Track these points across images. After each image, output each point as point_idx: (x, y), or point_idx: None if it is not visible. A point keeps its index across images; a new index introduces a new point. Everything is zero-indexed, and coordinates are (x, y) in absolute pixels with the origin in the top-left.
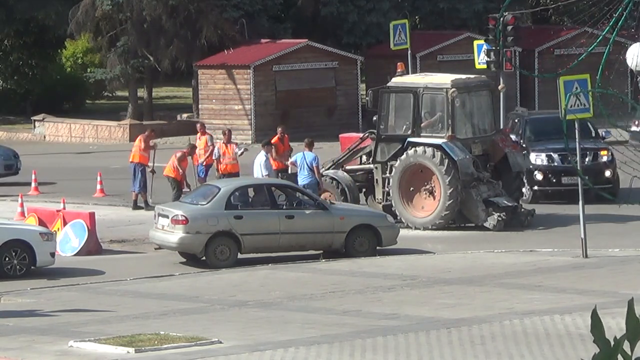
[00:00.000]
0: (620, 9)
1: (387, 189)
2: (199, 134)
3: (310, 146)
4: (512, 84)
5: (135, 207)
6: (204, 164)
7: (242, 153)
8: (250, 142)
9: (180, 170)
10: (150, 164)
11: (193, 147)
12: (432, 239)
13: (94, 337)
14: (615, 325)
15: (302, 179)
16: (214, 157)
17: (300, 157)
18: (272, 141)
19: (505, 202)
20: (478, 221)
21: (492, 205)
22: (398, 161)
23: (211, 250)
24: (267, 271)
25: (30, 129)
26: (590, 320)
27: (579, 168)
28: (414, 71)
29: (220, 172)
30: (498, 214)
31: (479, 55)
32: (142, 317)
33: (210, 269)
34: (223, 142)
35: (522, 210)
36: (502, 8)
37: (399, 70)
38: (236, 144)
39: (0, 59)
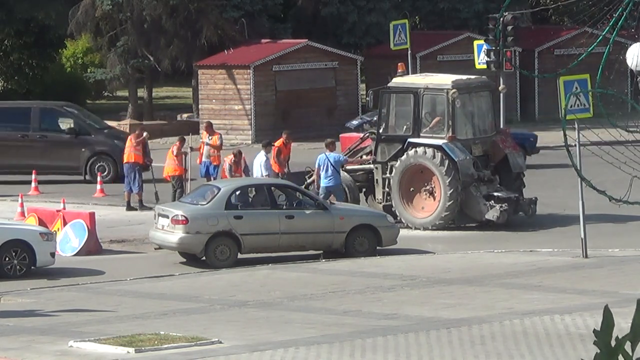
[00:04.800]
0: (620, 9)
1: (387, 189)
2: (204, 132)
3: (331, 147)
4: (512, 84)
5: (142, 207)
6: (212, 162)
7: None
8: (250, 142)
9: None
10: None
11: (183, 140)
12: (432, 239)
13: (94, 337)
14: (615, 326)
15: (328, 180)
16: (225, 171)
17: (323, 158)
18: (276, 144)
19: (506, 194)
20: (481, 216)
21: (492, 198)
22: (398, 162)
23: (211, 250)
24: (267, 271)
25: None
26: (602, 317)
27: (579, 168)
28: (414, 71)
29: None
30: (499, 204)
31: (479, 55)
32: (142, 317)
33: (210, 269)
34: (234, 162)
35: (524, 200)
36: (502, 8)
37: (399, 70)
38: (244, 159)
39: (0, 59)
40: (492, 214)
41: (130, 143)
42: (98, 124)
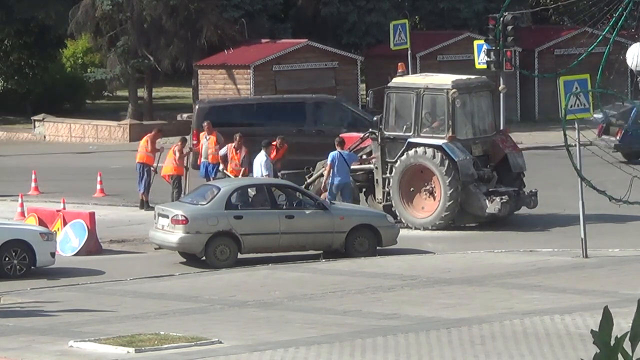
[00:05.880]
0: (620, 9)
1: (387, 189)
2: (205, 132)
3: (341, 145)
4: (512, 84)
5: (143, 206)
6: (211, 162)
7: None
8: None
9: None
10: (154, 164)
11: (184, 140)
12: (432, 239)
13: (94, 337)
14: (615, 326)
15: (342, 177)
16: (219, 154)
17: (337, 156)
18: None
19: (505, 188)
20: (483, 212)
21: (492, 193)
22: (398, 161)
23: (211, 250)
24: (267, 271)
25: (30, 129)
26: (602, 317)
27: (578, 168)
28: (414, 71)
29: (227, 173)
30: (500, 197)
31: (479, 55)
32: (142, 317)
33: (210, 269)
34: (234, 147)
35: (524, 193)
36: (502, 8)
37: (399, 70)
38: (247, 151)
39: (0, 59)
40: (493, 207)
41: (145, 144)
42: (369, 118)
